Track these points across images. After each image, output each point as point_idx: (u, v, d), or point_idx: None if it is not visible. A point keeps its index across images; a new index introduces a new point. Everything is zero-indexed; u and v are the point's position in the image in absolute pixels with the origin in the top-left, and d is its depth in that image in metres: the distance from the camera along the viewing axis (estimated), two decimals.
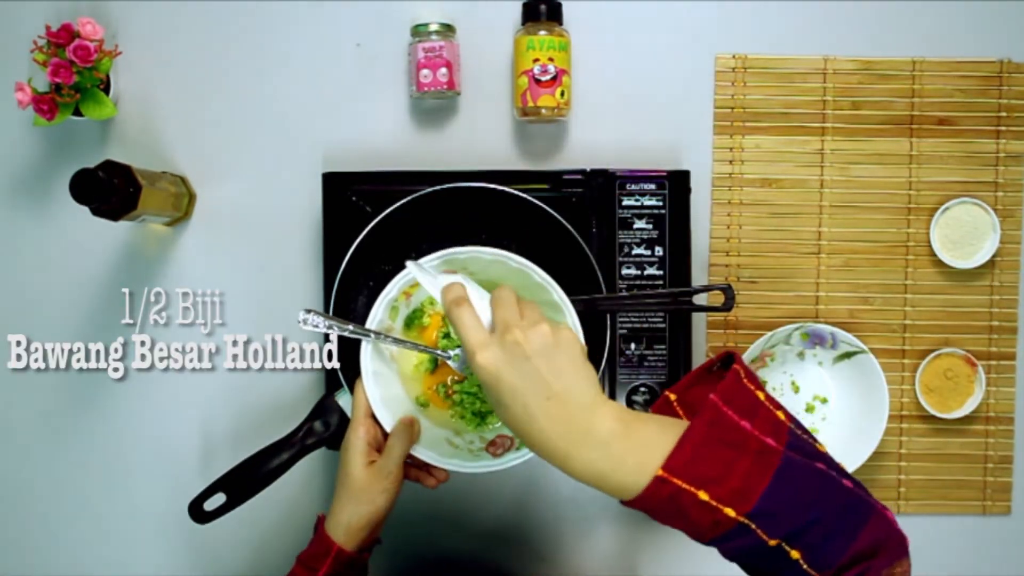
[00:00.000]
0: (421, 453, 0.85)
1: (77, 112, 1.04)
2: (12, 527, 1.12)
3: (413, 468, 0.89)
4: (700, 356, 1.10)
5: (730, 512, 0.62)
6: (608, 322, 0.94)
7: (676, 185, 1.01)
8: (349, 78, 1.10)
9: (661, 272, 1.00)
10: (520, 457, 0.85)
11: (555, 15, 1.05)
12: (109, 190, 0.94)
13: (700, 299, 0.92)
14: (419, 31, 1.06)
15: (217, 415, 1.11)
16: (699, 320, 1.10)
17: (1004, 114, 1.10)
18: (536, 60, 1.04)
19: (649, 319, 1.01)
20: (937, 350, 1.10)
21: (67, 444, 1.12)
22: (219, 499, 0.90)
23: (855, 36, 1.10)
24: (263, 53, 1.10)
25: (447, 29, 1.06)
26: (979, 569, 1.12)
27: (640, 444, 0.64)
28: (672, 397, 0.74)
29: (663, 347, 1.01)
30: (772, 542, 0.62)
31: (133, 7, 1.10)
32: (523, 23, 1.06)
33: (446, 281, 0.74)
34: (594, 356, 0.94)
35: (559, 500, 1.11)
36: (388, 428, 0.85)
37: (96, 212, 0.97)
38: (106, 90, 1.06)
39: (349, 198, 1.00)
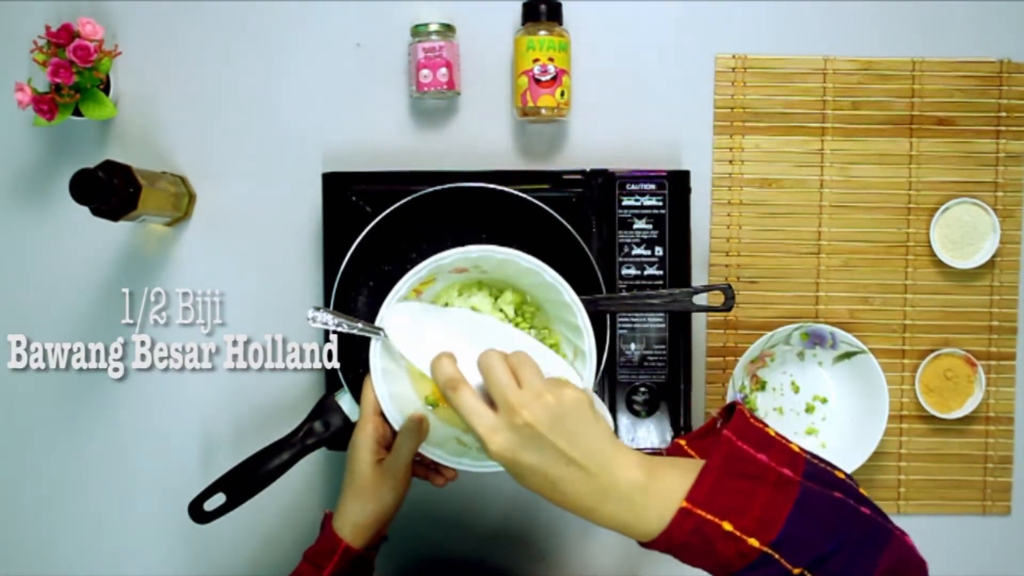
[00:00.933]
0: (430, 452, 0.85)
1: (77, 112, 1.04)
2: (12, 527, 1.12)
3: (421, 467, 0.89)
4: (700, 356, 1.10)
5: (754, 542, 0.63)
6: (608, 322, 0.94)
7: (676, 185, 1.01)
8: (349, 78, 1.10)
9: (661, 272, 1.00)
10: None
11: (555, 15, 1.05)
12: (109, 190, 0.94)
13: (700, 299, 0.92)
14: (419, 31, 1.05)
15: (217, 415, 1.11)
16: (699, 320, 1.10)
17: (1004, 114, 1.10)
18: (536, 60, 1.04)
19: (649, 319, 1.01)
20: (937, 350, 1.10)
21: (67, 444, 1.12)
22: (219, 499, 0.90)
23: (855, 36, 1.10)
24: (263, 53, 1.10)
25: (447, 29, 1.06)
26: (979, 569, 1.12)
27: (662, 487, 0.66)
28: (683, 443, 0.76)
29: (663, 347, 1.00)
30: (796, 571, 0.63)
31: (133, 7, 1.10)
32: (523, 23, 1.06)
33: (432, 351, 0.73)
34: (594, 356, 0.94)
35: None
36: (396, 426, 0.85)
37: (96, 212, 0.97)
38: (106, 90, 1.06)
39: (349, 198, 1.00)
